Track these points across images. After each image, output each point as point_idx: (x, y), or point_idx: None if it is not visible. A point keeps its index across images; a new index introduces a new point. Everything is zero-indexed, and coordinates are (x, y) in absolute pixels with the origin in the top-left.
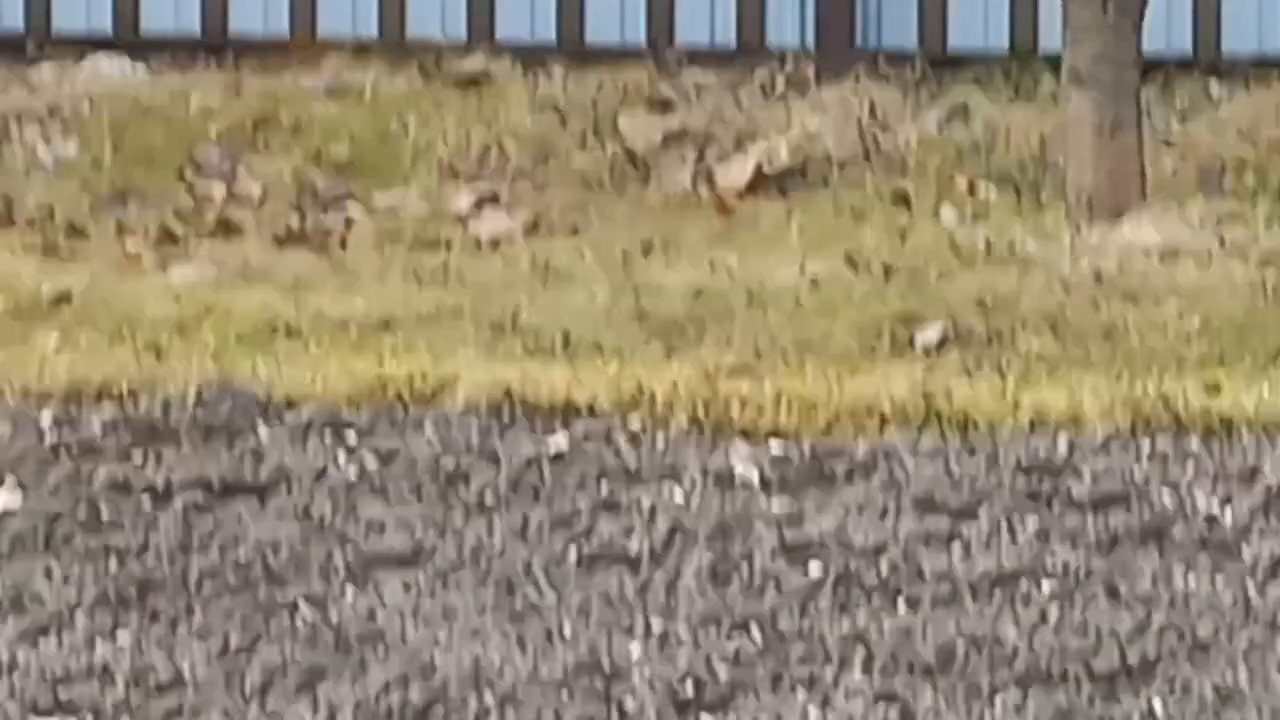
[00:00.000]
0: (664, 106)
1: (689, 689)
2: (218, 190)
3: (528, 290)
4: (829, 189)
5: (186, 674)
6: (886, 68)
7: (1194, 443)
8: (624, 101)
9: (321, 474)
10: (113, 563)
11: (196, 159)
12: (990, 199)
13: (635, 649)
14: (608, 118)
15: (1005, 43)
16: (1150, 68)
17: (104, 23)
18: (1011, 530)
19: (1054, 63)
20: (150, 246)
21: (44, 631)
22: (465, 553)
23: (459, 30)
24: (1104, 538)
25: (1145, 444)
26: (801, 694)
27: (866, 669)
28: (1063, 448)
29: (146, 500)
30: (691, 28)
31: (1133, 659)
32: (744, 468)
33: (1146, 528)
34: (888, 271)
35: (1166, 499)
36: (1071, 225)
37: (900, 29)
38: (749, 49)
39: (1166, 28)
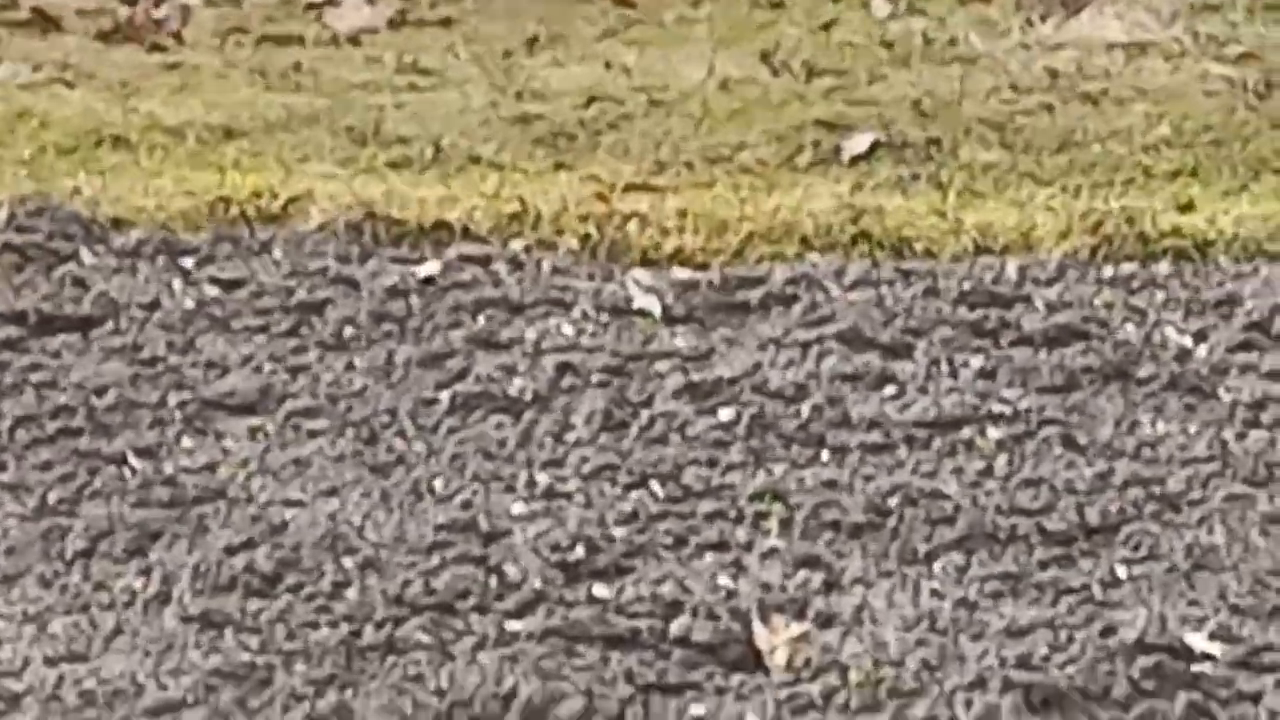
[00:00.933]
0: None
1: (579, 552)
2: None
3: (393, 93)
4: None
5: None
6: None
7: (1163, 268)
8: None
9: (154, 305)
10: None
11: None
12: None
13: (517, 507)
14: None
15: None
16: None
17: None
18: (952, 369)
19: None
20: None
21: None
22: (320, 396)
23: None
24: (1059, 377)
25: (1107, 270)
26: (709, 558)
27: (785, 529)
28: (1012, 274)
29: None
30: None
31: (1092, 518)
32: (643, 297)
33: (1108, 365)
34: (810, 71)
35: (1131, 332)
36: (1021, 17)
37: None
38: None
39: None
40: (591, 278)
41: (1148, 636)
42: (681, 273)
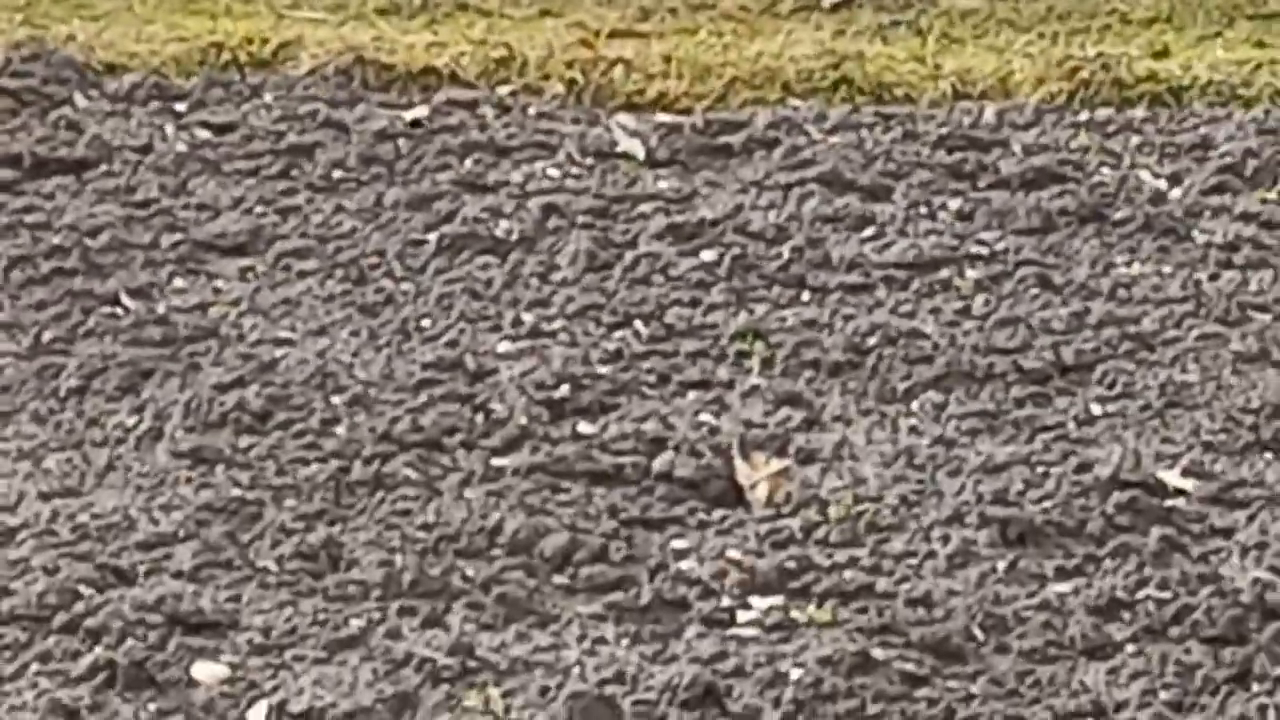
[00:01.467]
0: None
1: (564, 391)
2: None
3: None
4: None
5: None
6: None
7: (1139, 112)
8: None
9: (147, 148)
10: None
11: None
12: None
13: (503, 345)
14: None
15: None
16: None
17: None
18: (931, 212)
19: None
20: None
21: None
22: (310, 237)
23: None
24: (1036, 219)
25: (1083, 114)
26: (692, 396)
27: (766, 368)
28: (990, 118)
29: None
30: None
31: (1068, 356)
32: (627, 141)
33: (1084, 208)
34: None
35: (1107, 175)
36: None
37: None
38: None
39: None
40: (577, 122)
41: (1122, 473)
42: (665, 117)
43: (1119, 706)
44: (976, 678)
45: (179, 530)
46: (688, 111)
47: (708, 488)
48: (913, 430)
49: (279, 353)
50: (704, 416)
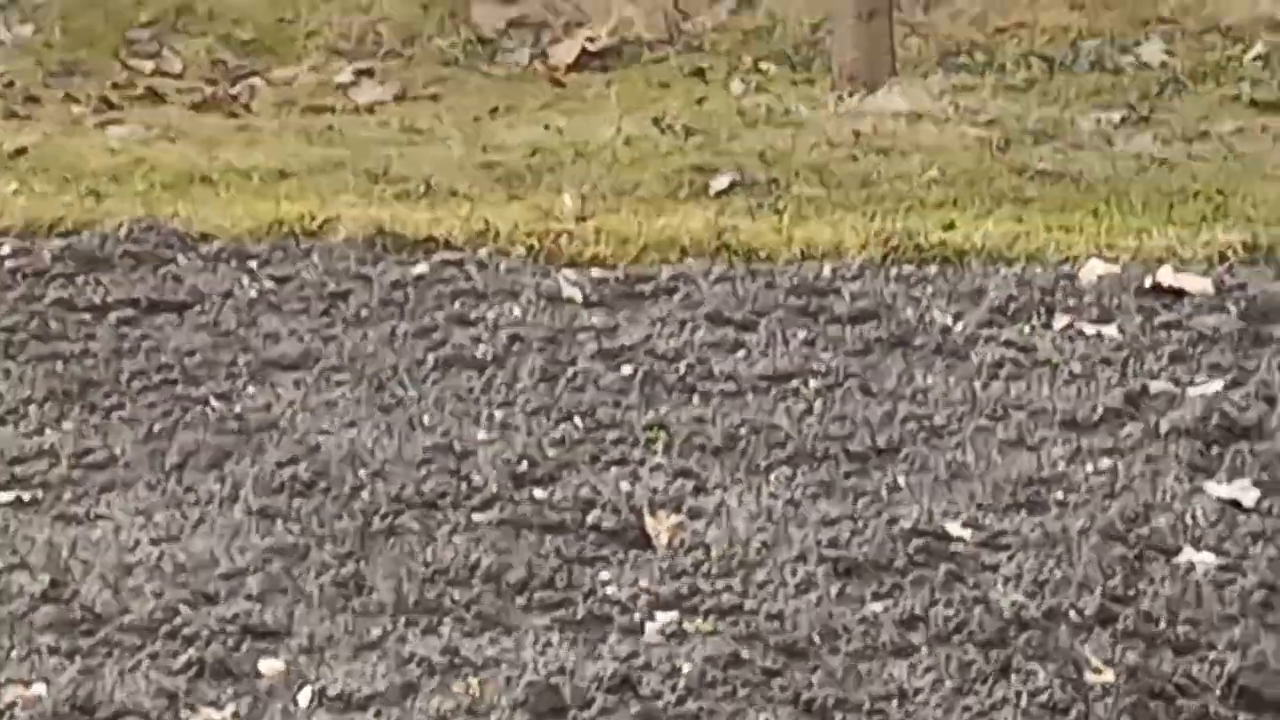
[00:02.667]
0: None
1: (524, 466)
2: (146, 65)
3: (396, 146)
4: (641, 65)
5: (118, 454)
6: None
7: (932, 269)
8: None
9: (229, 294)
10: (59, 365)
11: (129, 39)
12: (771, 73)
13: (481, 434)
14: (462, 7)
15: None
16: None
17: None
18: (785, 339)
19: None
20: (92, 110)
21: (2, 421)
22: (344, 357)
23: None
24: (859, 345)
25: (893, 270)
26: (615, 471)
27: (667, 450)
28: (827, 273)
29: (87, 315)
30: None
31: (881, 442)
32: (569, 289)
33: (893, 337)
34: (687, 131)
35: (910, 314)
36: (835, 95)
37: None
38: None
39: None
40: (534, 275)
41: (919, 525)
42: (597, 272)
43: (916, 691)
44: (815, 670)
45: (249, 565)
46: (613, 268)
47: (625, 535)
48: (771, 495)
49: (321, 440)
50: (623, 485)
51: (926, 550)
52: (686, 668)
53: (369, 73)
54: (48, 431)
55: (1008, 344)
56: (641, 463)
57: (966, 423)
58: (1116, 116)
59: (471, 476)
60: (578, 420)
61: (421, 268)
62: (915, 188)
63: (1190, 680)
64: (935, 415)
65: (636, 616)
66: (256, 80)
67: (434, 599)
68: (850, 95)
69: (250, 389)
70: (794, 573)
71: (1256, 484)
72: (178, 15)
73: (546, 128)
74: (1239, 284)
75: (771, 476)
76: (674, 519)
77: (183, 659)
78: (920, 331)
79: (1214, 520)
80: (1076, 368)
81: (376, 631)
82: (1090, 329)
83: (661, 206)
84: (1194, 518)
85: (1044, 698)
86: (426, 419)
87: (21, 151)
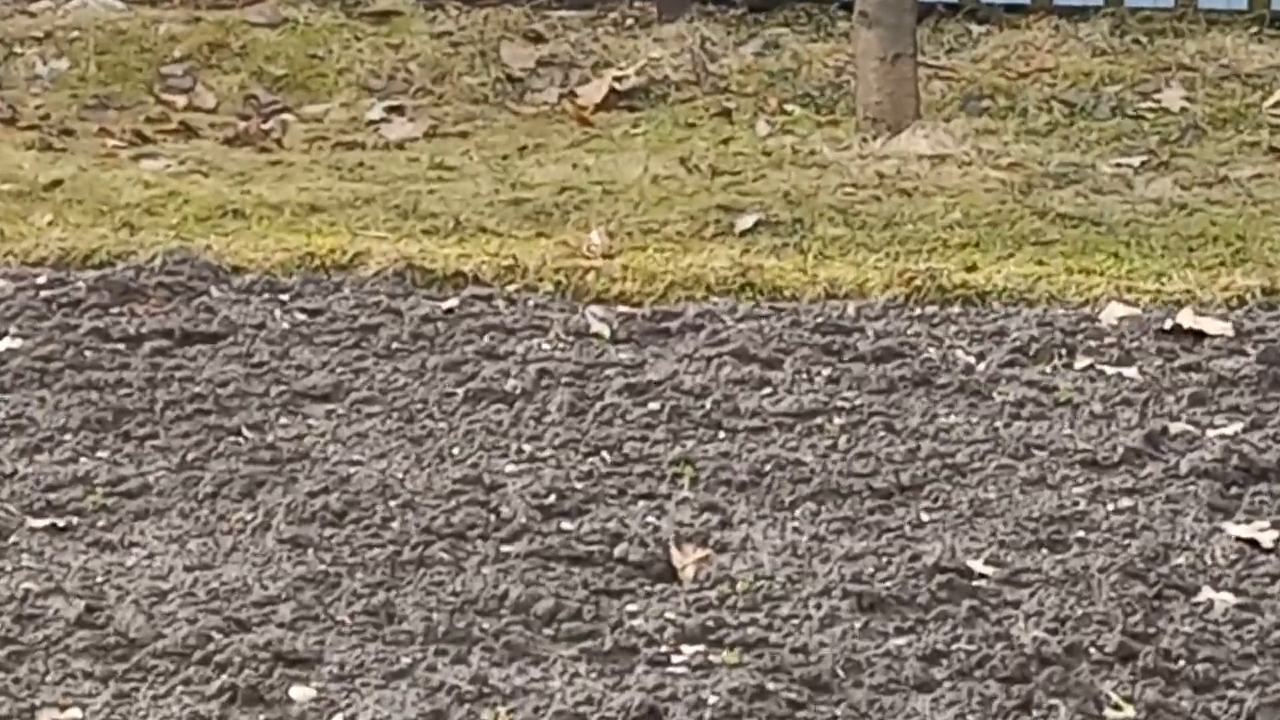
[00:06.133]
0: (537, 38)
1: (552, 499)
2: (180, 100)
3: (426, 183)
4: (668, 105)
5: (152, 482)
6: (714, 9)
7: (955, 309)
8: (505, 33)
9: (261, 326)
10: (94, 395)
11: (163, 75)
12: (796, 115)
13: (509, 466)
14: (492, 46)
15: None
16: (924, 12)
17: None
18: (810, 377)
19: (847, 7)
20: (126, 144)
21: (38, 449)
22: (375, 389)
23: None
24: (883, 383)
25: (916, 310)
26: (642, 505)
27: (694, 485)
28: (851, 312)
29: (122, 345)
30: None
31: (905, 479)
32: (597, 325)
33: (917, 376)
34: (714, 171)
35: (933, 353)
36: (859, 137)
37: None
38: None
39: None
40: (562, 311)
41: (943, 562)
42: (624, 308)
43: None
44: (839, 704)
45: (282, 593)
46: (640, 305)
47: (652, 568)
48: (796, 530)
49: (352, 470)
50: (649, 519)
51: (949, 586)
52: (712, 699)
53: (399, 110)
54: (83, 460)
55: (1029, 384)
56: (668, 497)
57: (989, 461)
58: (1137, 161)
59: (500, 508)
60: (605, 454)
61: (451, 302)
62: (938, 229)
63: (1209, 717)
64: (958, 453)
65: (663, 648)
66: (288, 116)
67: (463, 629)
68: (874, 137)
69: (282, 420)
70: (818, 607)
71: (1275, 525)
72: (211, 51)
73: (575, 166)
74: (1258, 327)
75: (796, 512)
76: (700, 553)
77: (215, 685)
78: (943, 371)
79: (1233, 560)
80: (1097, 408)
81: (406, 660)
82: (1111, 370)
83: (688, 245)
84: (1213, 557)
85: None
86: (456, 451)
87: (57, 184)
